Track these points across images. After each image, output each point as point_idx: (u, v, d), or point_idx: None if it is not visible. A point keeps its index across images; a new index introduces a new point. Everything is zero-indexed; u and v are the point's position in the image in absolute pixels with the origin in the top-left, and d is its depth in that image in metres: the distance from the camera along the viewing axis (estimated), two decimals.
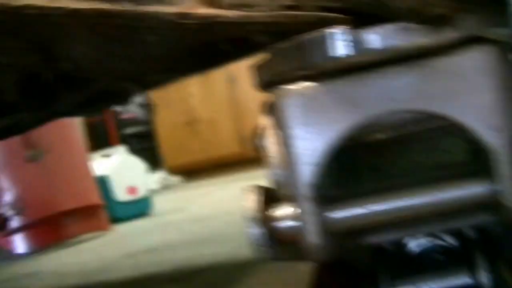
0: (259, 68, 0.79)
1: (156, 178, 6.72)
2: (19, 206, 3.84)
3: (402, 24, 0.70)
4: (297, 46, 0.73)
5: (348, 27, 0.71)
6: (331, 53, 0.71)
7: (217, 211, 3.70)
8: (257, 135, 0.87)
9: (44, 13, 0.81)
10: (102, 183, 4.46)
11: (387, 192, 0.80)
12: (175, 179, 6.99)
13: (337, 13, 0.76)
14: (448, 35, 0.70)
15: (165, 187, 6.75)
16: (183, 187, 6.72)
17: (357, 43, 0.70)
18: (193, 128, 6.80)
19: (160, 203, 4.99)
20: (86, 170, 4.19)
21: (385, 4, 0.75)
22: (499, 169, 0.72)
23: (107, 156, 4.91)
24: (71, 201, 3.94)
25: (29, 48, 0.89)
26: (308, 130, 0.74)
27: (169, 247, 2.92)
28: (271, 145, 0.82)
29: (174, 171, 7.10)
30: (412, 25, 0.70)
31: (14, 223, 3.83)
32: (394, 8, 0.75)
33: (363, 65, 0.73)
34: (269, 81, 0.78)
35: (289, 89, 0.76)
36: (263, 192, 0.81)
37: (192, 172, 7.01)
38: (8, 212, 3.85)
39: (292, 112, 0.75)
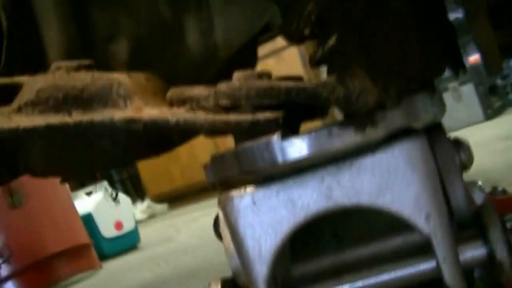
0: (207, 170, 0.84)
1: (141, 208, 6.75)
2: (6, 254, 3.85)
3: (330, 127, 0.75)
4: (238, 153, 0.78)
5: (280, 130, 0.76)
6: (268, 159, 0.76)
7: (205, 240, 3.73)
8: (217, 224, 0.92)
9: (1, 135, 0.86)
10: (87, 221, 4.48)
11: (346, 273, 0.85)
12: (159, 207, 7.01)
13: (271, 109, 0.81)
14: (374, 132, 0.75)
15: (151, 216, 6.77)
16: (168, 215, 6.73)
17: (290, 149, 0.75)
18: (173, 154, 6.79)
19: (147, 234, 5.01)
20: (70, 210, 4.21)
21: (315, 95, 0.79)
22: (436, 251, 0.77)
23: (90, 193, 4.93)
24: (59, 243, 3.96)
25: None
26: (255, 231, 0.79)
27: (161, 283, 2.95)
28: (227, 236, 0.87)
29: (157, 199, 7.11)
30: (339, 127, 0.75)
31: (3, 271, 3.83)
32: (323, 99, 0.79)
33: (299, 168, 0.78)
34: (217, 183, 0.83)
35: (233, 193, 0.81)
36: (226, 285, 0.87)
37: (176, 198, 7.03)
38: None
39: (238, 215, 0.80)
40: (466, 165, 0.86)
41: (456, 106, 4.64)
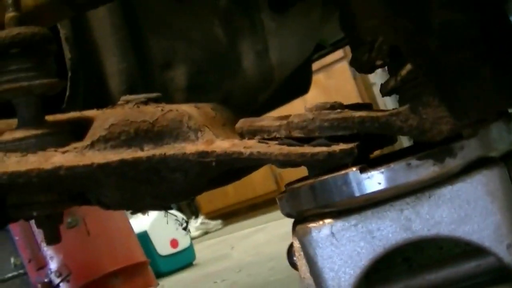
0: (282, 202, 0.84)
1: (195, 225, 6.78)
2: (64, 273, 3.90)
3: (408, 159, 0.75)
4: (314, 186, 0.78)
5: (355, 162, 0.76)
6: (346, 192, 0.75)
7: (259, 257, 3.73)
8: (291, 253, 0.92)
9: (75, 171, 0.87)
10: (143, 239, 4.52)
11: None
12: (214, 223, 7.03)
13: (343, 140, 0.81)
14: (453, 162, 0.74)
15: (205, 233, 6.80)
16: (222, 231, 6.75)
17: (369, 182, 0.74)
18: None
19: (202, 251, 5.03)
20: (126, 229, 4.24)
21: (388, 125, 0.79)
22: None
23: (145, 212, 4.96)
24: (116, 262, 3.98)
25: (61, 200, 0.94)
26: (335, 263, 0.79)
27: None
28: (303, 267, 0.87)
29: (211, 215, 7.15)
30: (417, 159, 0.74)
31: None
32: (396, 128, 0.79)
33: (377, 200, 0.77)
34: (293, 215, 0.83)
35: (311, 225, 0.81)
36: None
37: (229, 214, 7.05)
38: (56, 280, 3.91)
39: (317, 246, 0.80)
40: None
41: None
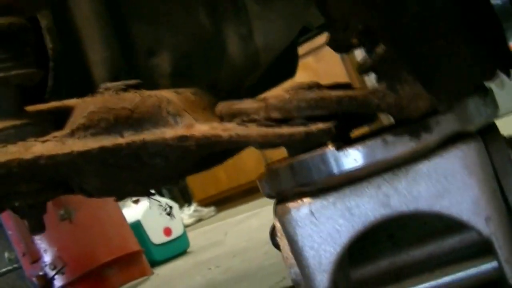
0: (262, 183, 0.85)
1: (188, 213, 6.78)
2: (59, 265, 3.90)
3: (384, 135, 0.75)
4: (293, 165, 0.79)
5: (333, 141, 0.76)
6: (324, 170, 0.76)
7: (253, 242, 3.73)
8: (273, 234, 0.92)
9: (55, 160, 0.87)
10: (137, 228, 4.52)
11: (405, 276, 0.85)
12: (207, 210, 7.04)
13: (322, 120, 0.81)
14: (429, 137, 0.75)
15: (198, 220, 6.81)
16: (215, 218, 6.76)
17: (346, 160, 0.75)
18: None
19: (196, 238, 5.03)
20: (119, 219, 4.25)
21: (366, 104, 0.79)
22: (497, 253, 0.76)
23: (137, 201, 4.97)
24: (110, 252, 3.99)
25: (43, 189, 0.95)
26: (315, 241, 0.79)
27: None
28: (285, 246, 0.87)
29: (204, 202, 7.15)
30: (393, 135, 0.74)
31: (57, 282, 3.88)
32: (375, 106, 0.79)
33: (355, 177, 0.78)
34: (273, 195, 0.83)
35: (291, 205, 0.81)
36: None
37: (222, 201, 7.06)
38: (50, 273, 3.91)
39: (297, 226, 0.80)
40: None
41: (500, 93, 4.56)
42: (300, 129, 0.78)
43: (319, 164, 0.76)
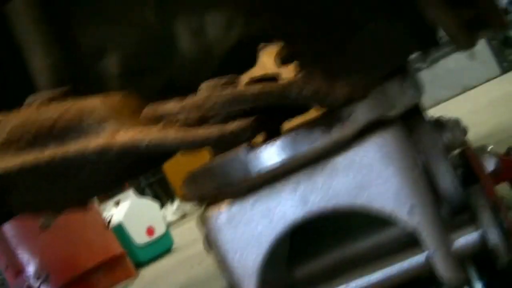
0: (185, 188, 0.82)
1: (171, 210, 6.76)
2: (43, 275, 3.88)
3: (296, 130, 0.72)
4: (210, 168, 0.76)
5: (270, 137, 0.73)
6: (238, 172, 0.73)
7: None
8: (205, 240, 0.89)
9: None
10: (119, 231, 4.49)
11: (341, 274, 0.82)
12: (190, 206, 7.01)
13: (244, 115, 0.78)
14: (342, 129, 0.71)
15: (182, 216, 6.78)
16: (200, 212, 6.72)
17: (257, 160, 0.72)
18: (197, 153, 6.78)
19: (179, 235, 5.01)
20: (100, 223, 4.22)
21: (284, 96, 0.76)
22: (424, 244, 0.73)
23: (118, 203, 4.94)
24: (93, 258, 3.97)
25: None
26: (237, 246, 0.77)
27: (195, 285, 2.94)
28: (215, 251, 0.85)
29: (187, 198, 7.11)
30: (305, 129, 0.71)
31: None
32: (293, 98, 0.76)
33: (272, 177, 0.75)
34: (196, 198, 0.81)
35: (210, 210, 0.78)
36: None
37: None
38: (35, 283, 3.89)
39: (218, 232, 0.77)
40: (452, 145, 0.82)
41: (471, 63, 4.56)
42: (214, 130, 0.75)
43: (235, 165, 0.73)
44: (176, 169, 6.95)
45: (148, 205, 5.03)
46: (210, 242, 0.80)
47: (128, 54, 1.28)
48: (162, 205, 6.00)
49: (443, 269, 0.72)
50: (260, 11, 0.78)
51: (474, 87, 4.55)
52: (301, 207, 0.74)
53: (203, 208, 0.81)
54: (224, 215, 0.76)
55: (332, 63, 0.76)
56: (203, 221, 0.79)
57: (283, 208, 0.74)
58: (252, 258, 0.76)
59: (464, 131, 0.90)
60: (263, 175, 0.73)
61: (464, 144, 0.88)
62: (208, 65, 1.43)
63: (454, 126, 0.84)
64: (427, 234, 0.72)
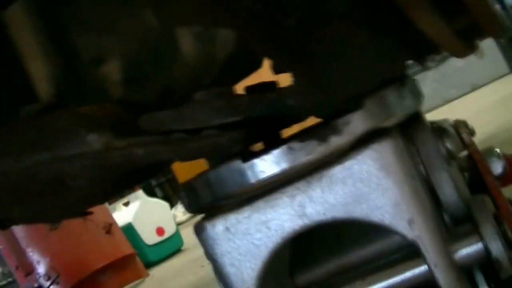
0: (182, 200, 0.80)
1: (182, 210, 6.74)
2: (53, 275, 3.88)
3: (291, 141, 0.70)
4: (206, 180, 0.74)
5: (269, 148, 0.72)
6: (233, 183, 0.71)
7: None
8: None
9: None
10: (129, 231, 4.49)
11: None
12: None
13: (233, 127, 0.76)
14: (338, 139, 0.69)
15: (192, 217, 6.77)
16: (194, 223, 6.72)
17: (251, 171, 0.70)
18: None
19: (189, 235, 4.99)
20: (110, 223, 4.22)
21: (278, 106, 0.75)
22: (425, 257, 0.72)
23: (127, 203, 4.94)
24: (103, 258, 3.97)
25: None
26: (234, 258, 0.75)
27: (205, 286, 2.94)
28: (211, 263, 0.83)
29: None
30: (300, 140, 0.70)
31: None
32: (287, 108, 0.74)
33: (268, 188, 0.73)
34: (191, 208, 0.79)
35: (206, 222, 0.77)
36: None
37: None
38: (45, 284, 3.90)
39: (214, 243, 0.76)
40: (453, 153, 0.80)
41: (479, 62, 4.52)
42: (207, 140, 0.73)
43: (228, 177, 0.71)
44: (185, 169, 6.96)
45: (158, 205, 5.03)
46: (206, 254, 0.78)
47: (129, 60, 1.26)
48: (172, 205, 5.99)
49: (445, 282, 0.71)
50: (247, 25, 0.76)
51: (483, 85, 4.52)
52: (297, 219, 0.72)
53: (199, 218, 0.80)
54: (220, 227, 0.75)
55: (325, 75, 0.73)
56: (198, 232, 0.78)
57: (279, 220, 0.73)
58: (249, 271, 0.74)
59: (472, 132, 0.88)
60: (259, 186, 0.71)
61: (471, 146, 0.86)
62: (211, 69, 1.41)
63: (461, 128, 0.83)
64: (428, 246, 0.70)
